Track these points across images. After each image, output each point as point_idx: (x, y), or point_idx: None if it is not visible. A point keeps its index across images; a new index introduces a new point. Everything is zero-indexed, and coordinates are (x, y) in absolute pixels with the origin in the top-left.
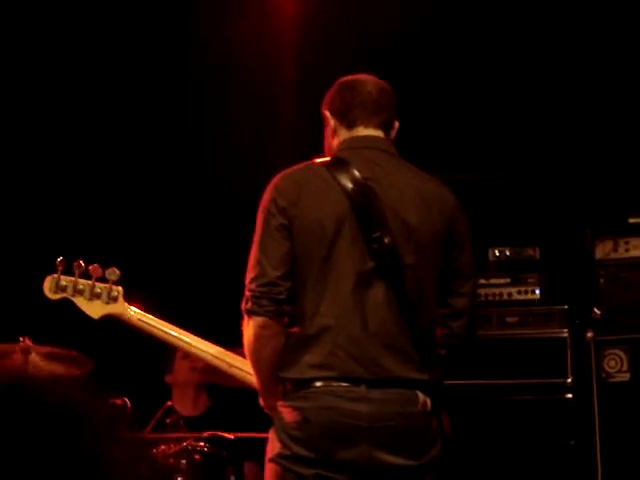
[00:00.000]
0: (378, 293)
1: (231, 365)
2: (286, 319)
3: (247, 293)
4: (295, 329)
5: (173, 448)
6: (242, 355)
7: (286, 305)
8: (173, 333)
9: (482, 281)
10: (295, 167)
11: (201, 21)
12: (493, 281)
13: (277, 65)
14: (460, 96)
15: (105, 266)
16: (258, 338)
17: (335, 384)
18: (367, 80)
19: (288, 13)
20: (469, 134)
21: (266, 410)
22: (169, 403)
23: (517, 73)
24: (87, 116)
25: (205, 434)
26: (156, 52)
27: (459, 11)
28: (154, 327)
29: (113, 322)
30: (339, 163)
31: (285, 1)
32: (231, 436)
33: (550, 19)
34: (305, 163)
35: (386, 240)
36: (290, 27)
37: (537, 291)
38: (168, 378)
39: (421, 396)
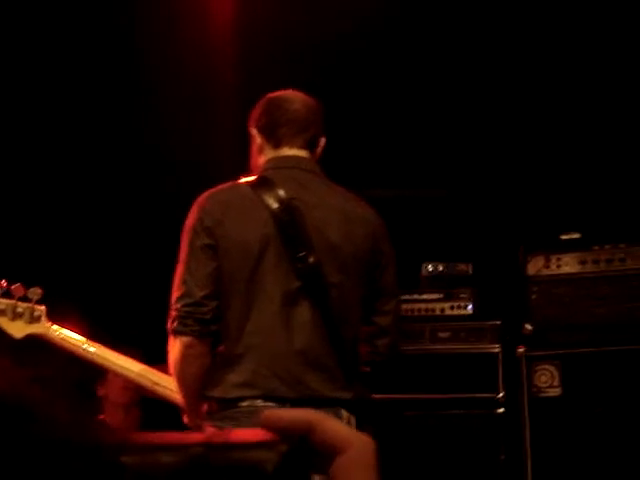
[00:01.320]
0: (303, 312)
1: (155, 383)
2: (212, 338)
3: (173, 313)
4: (221, 348)
5: None
6: (166, 372)
7: (212, 325)
8: (97, 352)
9: (415, 296)
10: (220, 186)
11: (139, 25)
12: (426, 296)
13: (216, 71)
14: (395, 112)
15: (27, 286)
16: (184, 358)
17: (260, 403)
18: (294, 98)
19: (227, 17)
20: (404, 151)
21: (191, 429)
22: (101, 417)
23: (450, 90)
24: (12, 122)
25: None
26: (92, 57)
27: (392, 24)
28: (77, 346)
29: (37, 341)
30: (264, 183)
31: (223, 5)
32: None
33: (479, 37)
34: (231, 182)
35: (311, 259)
36: (229, 32)
37: (469, 307)
38: (100, 390)
39: (345, 414)
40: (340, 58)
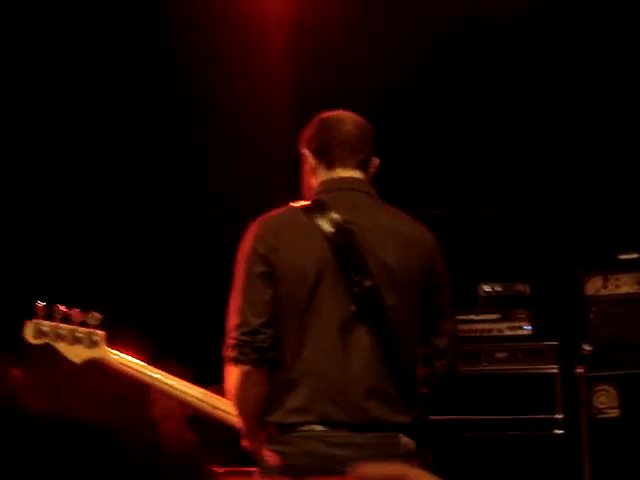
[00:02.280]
0: (360, 337)
1: (215, 407)
2: (269, 365)
3: (230, 341)
4: (278, 374)
5: None
6: (222, 394)
7: (269, 352)
8: (155, 376)
9: (472, 317)
10: (273, 212)
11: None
12: (483, 317)
13: (269, 80)
14: (453, 133)
15: (85, 310)
16: (242, 386)
17: (317, 428)
18: (347, 119)
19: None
20: (462, 172)
21: (250, 452)
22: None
23: (507, 110)
24: (59, 141)
25: None
26: (136, 70)
27: (450, 48)
28: (136, 370)
29: (96, 366)
30: (318, 206)
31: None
32: (221, 470)
33: (536, 62)
34: (283, 207)
35: (367, 283)
36: (281, 35)
37: (527, 327)
38: (153, 412)
39: (404, 439)
40: (400, 78)
